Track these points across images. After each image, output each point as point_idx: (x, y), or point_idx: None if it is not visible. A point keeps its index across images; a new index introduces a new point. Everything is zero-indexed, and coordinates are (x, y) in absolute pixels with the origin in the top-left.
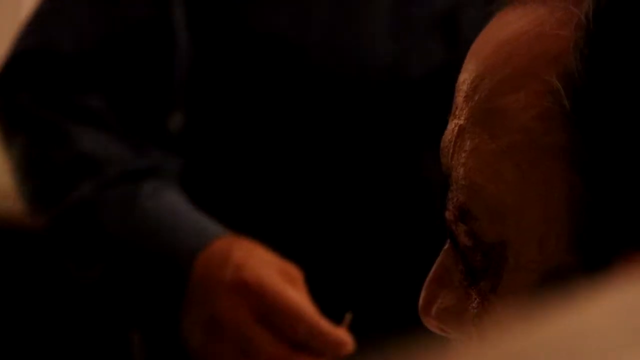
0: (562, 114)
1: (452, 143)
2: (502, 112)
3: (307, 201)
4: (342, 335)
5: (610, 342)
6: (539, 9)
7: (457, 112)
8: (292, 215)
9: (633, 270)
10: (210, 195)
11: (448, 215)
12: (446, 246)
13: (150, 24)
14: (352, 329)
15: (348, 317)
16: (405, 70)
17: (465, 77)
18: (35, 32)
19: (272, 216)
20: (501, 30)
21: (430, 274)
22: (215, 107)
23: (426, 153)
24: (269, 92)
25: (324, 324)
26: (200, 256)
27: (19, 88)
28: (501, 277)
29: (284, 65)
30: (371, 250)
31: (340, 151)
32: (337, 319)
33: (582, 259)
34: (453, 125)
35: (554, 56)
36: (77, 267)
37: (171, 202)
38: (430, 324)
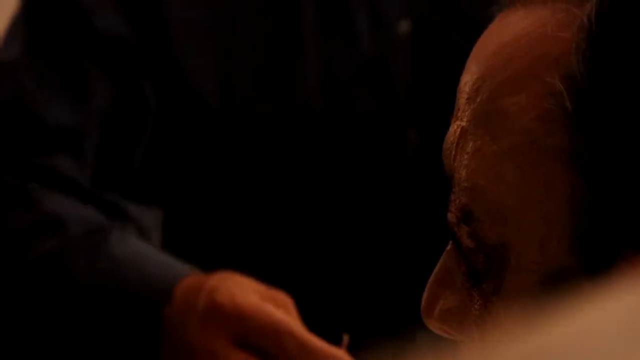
0: (564, 115)
1: (454, 145)
2: (504, 113)
3: (262, 244)
4: (342, 355)
5: (611, 344)
6: (540, 10)
7: (459, 114)
8: (246, 256)
9: (634, 271)
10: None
11: (450, 217)
12: (448, 247)
13: (122, 92)
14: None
15: (346, 338)
16: (336, 118)
17: (467, 79)
18: (4, 82)
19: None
20: (502, 32)
21: (433, 276)
22: (170, 157)
23: (363, 197)
24: (209, 145)
25: (318, 342)
26: (175, 292)
27: None
28: (503, 279)
29: (214, 119)
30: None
31: (279, 202)
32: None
33: (583, 261)
34: (455, 127)
35: (556, 58)
36: (41, 325)
37: (139, 246)
38: (433, 325)
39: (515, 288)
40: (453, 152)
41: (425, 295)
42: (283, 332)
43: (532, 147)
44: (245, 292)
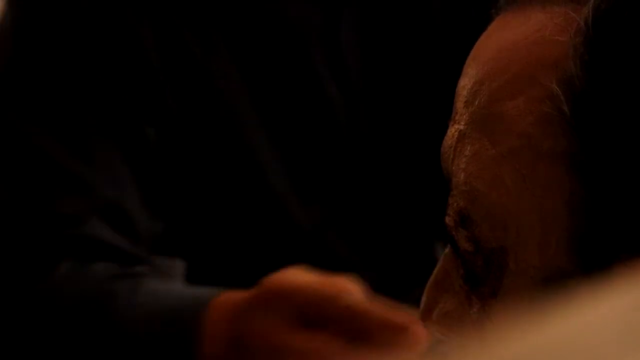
0: (562, 119)
1: (452, 148)
2: (502, 117)
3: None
4: (401, 318)
5: (609, 348)
6: (538, 14)
7: (457, 117)
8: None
9: (633, 275)
10: None
11: (448, 220)
12: (446, 250)
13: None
14: None
15: None
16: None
17: (465, 82)
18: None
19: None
20: (500, 36)
21: (431, 279)
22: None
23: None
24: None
25: (372, 305)
26: (218, 300)
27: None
28: (502, 282)
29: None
30: None
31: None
32: None
33: (582, 264)
34: (453, 131)
35: (554, 62)
36: (73, 339)
37: (174, 284)
38: (431, 328)
39: (513, 291)
40: (451, 156)
41: (423, 298)
42: (329, 297)
43: (531, 151)
44: (295, 275)
